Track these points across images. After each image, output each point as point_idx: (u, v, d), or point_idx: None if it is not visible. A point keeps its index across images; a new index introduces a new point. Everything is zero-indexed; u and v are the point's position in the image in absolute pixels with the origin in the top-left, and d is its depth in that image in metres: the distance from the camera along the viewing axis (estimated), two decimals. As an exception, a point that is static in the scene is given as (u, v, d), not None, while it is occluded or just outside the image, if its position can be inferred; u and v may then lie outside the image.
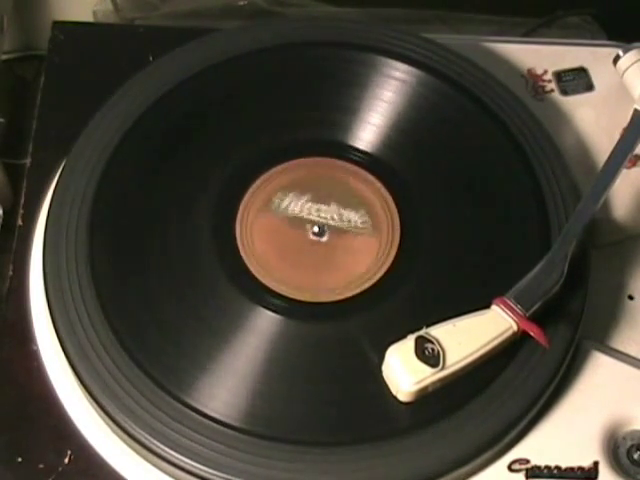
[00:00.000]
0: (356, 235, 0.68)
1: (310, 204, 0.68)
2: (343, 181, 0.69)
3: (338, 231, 0.68)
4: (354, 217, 0.68)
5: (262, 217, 0.68)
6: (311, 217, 0.68)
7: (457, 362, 0.60)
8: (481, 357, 0.60)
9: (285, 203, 0.68)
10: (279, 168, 0.70)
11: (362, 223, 0.68)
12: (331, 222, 0.68)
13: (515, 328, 0.61)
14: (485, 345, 0.60)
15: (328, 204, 0.68)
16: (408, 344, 0.59)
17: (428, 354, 0.59)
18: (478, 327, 0.61)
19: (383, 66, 0.73)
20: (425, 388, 0.59)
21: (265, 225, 0.68)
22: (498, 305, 0.61)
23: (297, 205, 0.68)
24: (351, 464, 0.59)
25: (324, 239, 0.67)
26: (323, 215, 0.68)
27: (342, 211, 0.68)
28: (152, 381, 0.61)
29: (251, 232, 0.67)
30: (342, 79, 0.73)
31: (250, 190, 0.69)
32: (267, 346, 0.63)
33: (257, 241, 0.67)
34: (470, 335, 0.60)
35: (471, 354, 0.60)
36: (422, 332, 0.60)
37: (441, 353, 0.59)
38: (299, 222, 0.68)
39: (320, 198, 0.69)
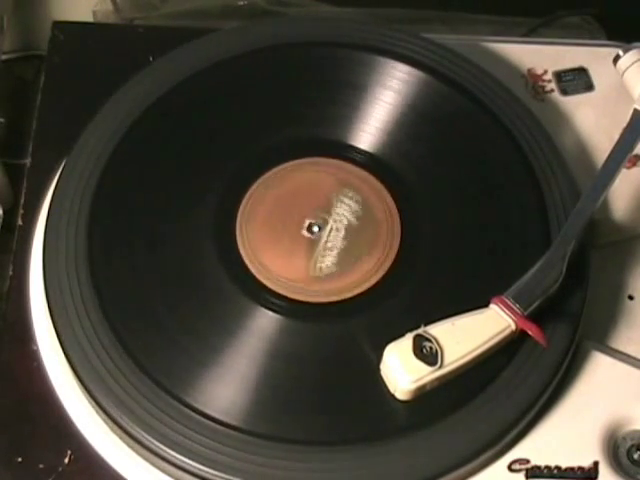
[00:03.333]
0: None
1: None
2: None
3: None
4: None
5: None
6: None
7: (455, 361, 0.59)
8: (479, 356, 0.60)
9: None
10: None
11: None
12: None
13: (513, 327, 0.61)
14: (483, 344, 0.60)
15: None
16: (406, 342, 0.59)
17: (426, 352, 0.59)
18: (476, 326, 0.60)
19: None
20: (423, 387, 0.59)
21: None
22: (496, 304, 0.61)
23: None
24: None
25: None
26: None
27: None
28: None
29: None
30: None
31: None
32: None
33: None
34: (468, 334, 0.60)
35: (469, 353, 0.60)
36: (420, 330, 0.60)
37: (439, 352, 0.59)
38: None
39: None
